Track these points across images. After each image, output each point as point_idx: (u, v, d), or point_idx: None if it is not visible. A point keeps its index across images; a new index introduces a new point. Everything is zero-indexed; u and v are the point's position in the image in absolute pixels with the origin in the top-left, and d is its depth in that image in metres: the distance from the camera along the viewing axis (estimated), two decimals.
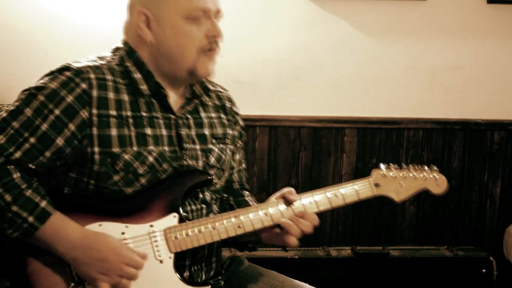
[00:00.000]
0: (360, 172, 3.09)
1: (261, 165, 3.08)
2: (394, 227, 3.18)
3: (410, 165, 1.84)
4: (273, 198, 1.77)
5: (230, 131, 1.88)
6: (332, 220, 3.15)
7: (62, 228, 1.58)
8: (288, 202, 1.74)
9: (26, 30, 2.89)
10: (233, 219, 1.70)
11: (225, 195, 1.93)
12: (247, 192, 1.96)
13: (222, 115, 1.88)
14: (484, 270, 2.93)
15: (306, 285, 1.87)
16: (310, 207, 1.75)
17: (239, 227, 1.70)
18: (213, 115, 1.85)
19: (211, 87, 1.89)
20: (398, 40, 3.08)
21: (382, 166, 1.82)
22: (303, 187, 3.09)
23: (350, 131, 3.10)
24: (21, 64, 2.91)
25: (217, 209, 1.84)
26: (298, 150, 3.09)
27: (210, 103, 1.86)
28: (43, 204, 1.57)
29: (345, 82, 3.09)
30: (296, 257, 2.86)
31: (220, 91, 1.93)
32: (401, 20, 3.06)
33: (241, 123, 1.96)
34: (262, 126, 3.06)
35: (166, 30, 1.68)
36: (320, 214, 1.76)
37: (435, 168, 1.86)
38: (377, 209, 3.16)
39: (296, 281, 1.88)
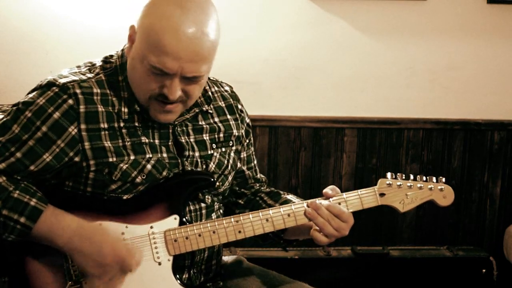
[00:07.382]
0: (360, 172, 3.10)
1: (261, 165, 3.06)
2: (394, 227, 3.18)
3: (418, 176, 1.80)
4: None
5: (235, 132, 1.83)
6: None
7: (56, 222, 1.57)
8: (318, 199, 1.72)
9: (26, 30, 2.88)
10: (233, 224, 1.68)
11: (246, 191, 1.90)
12: (264, 188, 1.93)
13: (228, 116, 1.83)
14: (484, 270, 2.93)
15: (306, 285, 1.86)
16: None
17: (239, 232, 1.68)
18: (216, 119, 1.80)
19: (215, 89, 1.84)
20: (398, 40, 3.08)
21: (388, 175, 1.79)
22: (303, 187, 3.10)
23: (350, 131, 3.10)
24: (21, 64, 2.90)
25: (220, 211, 1.82)
26: (298, 150, 3.09)
27: (211, 110, 1.80)
28: (33, 202, 1.55)
29: (345, 82, 3.08)
30: (296, 257, 2.86)
31: (226, 90, 1.88)
32: (401, 20, 3.06)
33: (247, 120, 1.91)
34: (262, 126, 3.05)
35: (134, 58, 1.61)
36: None
37: (443, 179, 1.81)
38: (377, 209, 3.15)
39: (296, 281, 1.87)
